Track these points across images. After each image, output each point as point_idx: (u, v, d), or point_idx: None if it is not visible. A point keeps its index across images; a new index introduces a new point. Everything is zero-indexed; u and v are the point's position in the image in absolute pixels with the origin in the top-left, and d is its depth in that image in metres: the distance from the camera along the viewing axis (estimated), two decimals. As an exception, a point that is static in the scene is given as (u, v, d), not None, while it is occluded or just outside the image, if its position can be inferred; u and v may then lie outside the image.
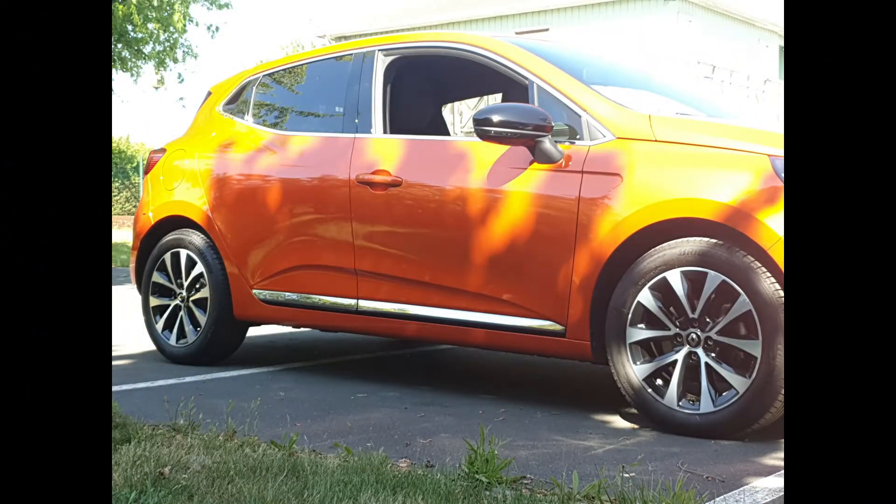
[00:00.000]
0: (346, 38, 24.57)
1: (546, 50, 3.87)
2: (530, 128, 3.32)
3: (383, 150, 3.87)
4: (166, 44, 18.41)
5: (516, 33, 20.92)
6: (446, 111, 8.38)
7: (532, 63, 3.63)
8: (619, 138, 3.29)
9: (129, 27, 17.25)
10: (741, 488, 2.44)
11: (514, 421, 3.28)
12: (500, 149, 3.50)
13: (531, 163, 3.40)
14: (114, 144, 27.42)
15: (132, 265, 4.82)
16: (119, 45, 17.80)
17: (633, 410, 3.37)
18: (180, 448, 2.66)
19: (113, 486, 2.26)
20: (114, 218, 23.59)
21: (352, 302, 3.91)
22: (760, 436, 3.02)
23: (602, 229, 3.21)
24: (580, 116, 3.40)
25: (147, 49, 18.35)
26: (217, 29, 19.24)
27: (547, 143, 3.35)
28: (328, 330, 4.24)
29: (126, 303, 6.98)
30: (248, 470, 2.44)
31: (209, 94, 4.88)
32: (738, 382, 2.95)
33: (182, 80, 19.32)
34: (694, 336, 3.05)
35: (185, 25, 17.87)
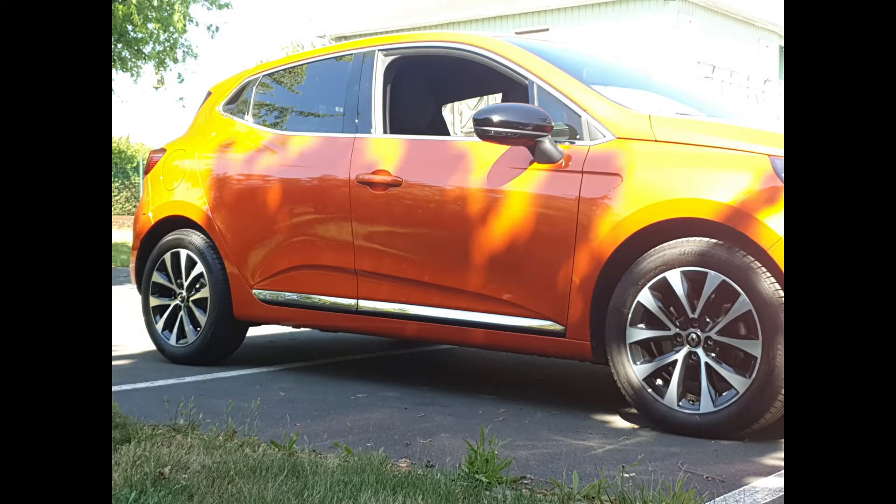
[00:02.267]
0: (346, 38, 24.57)
1: (546, 50, 3.87)
2: (530, 128, 3.32)
3: (383, 150, 3.87)
4: (166, 44, 18.41)
5: (516, 33, 20.92)
6: (446, 111, 8.37)
7: (532, 63, 3.63)
8: (619, 138, 3.29)
9: (129, 27, 17.25)
10: (741, 488, 2.44)
11: (514, 421, 3.27)
12: (500, 149, 3.50)
13: (531, 163, 3.40)
14: (114, 144, 27.42)
15: (132, 265, 4.82)
16: (119, 45, 17.80)
17: (633, 410, 3.37)
18: (180, 448, 2.66)
19: (113, 486, 2.26)
20: (114, 218, 23.58)
21: (352, 302, 3.91)
22: (760, 436, 3.02)
23: (602, 229, 3.21)
24: (580, 116, 3.40)
25: (147, 49, 18.35)
26: (217, 29, 19.26)
27: (547, 143, 3.35)
28: (328, 330, 4.24)
29: (126, 303, 6.98)
30: (248, 470, 2.44)
31: (209, 94, 4.88)
32: (738, 382, 2.95)
33: (182, 80, 19.33)
34: (694, 336, 3.05)
35: (185, 25, 17.88)
